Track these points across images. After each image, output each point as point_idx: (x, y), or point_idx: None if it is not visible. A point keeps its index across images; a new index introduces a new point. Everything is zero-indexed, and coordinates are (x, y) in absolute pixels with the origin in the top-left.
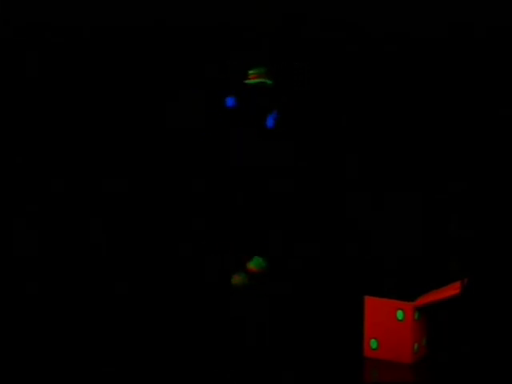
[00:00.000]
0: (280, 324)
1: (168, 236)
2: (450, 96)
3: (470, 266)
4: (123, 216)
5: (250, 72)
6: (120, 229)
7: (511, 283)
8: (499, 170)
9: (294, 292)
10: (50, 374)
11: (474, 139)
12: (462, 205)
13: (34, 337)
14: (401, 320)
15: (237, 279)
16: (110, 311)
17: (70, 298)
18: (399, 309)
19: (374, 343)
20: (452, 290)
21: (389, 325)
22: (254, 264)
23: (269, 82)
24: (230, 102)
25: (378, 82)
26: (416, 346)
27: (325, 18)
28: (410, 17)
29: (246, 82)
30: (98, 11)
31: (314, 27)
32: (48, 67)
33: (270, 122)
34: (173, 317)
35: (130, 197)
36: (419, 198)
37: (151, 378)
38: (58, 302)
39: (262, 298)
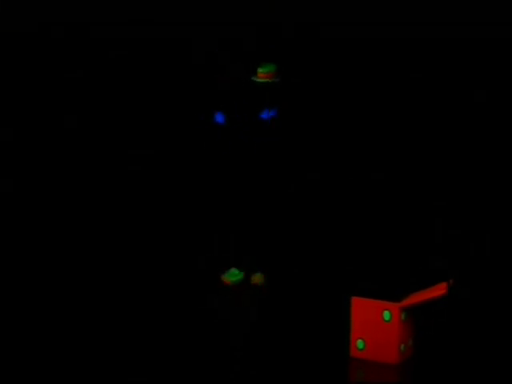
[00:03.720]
0: (266, 324)
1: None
2: (439, 100)
3: (455, 265)
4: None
5: (260, 70)
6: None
7: (497, 282)
8: (484, 171)
9: (281, 292)
10: (43, 374)
11: (463, 141)
12: (447, 204)
13: (29, 336)
14: (387, 321)
15: (256, 279)
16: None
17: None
18: (386, 309)
19: (360, 343)
20: (438, 290)
21: (375, 325)
22: (230, 276)
23: (277, 80)
24: (219, 117)
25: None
26: (402, 346)
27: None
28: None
29: (255, 79)
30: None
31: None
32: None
33: (265, 114)
34: (160, 317)
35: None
36: (406, 198)
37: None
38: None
39: (249, 299)
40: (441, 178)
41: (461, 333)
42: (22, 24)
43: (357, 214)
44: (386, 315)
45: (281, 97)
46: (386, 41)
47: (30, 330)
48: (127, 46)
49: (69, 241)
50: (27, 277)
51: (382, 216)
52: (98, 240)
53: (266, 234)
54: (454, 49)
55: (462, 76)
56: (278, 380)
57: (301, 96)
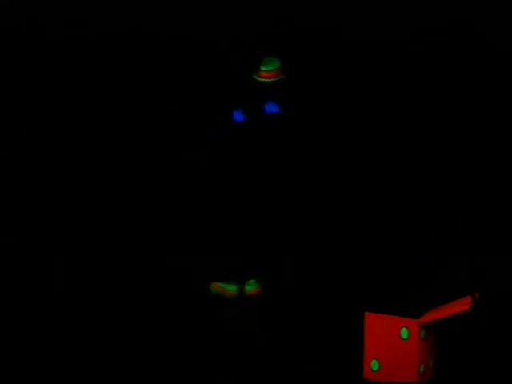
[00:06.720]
0: (275, 344)
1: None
2: (442, 104)
3: (482, 277)
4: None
5: (263, 69)
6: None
7: None
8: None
9: (290, 308)
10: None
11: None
12: (466, 211)
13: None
14: (405, 339)
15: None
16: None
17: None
18: (403, 326)
19: (375, 364)
20: (462, 305)
21: (392, 344)
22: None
23: (282, 77)
24: (237, 116)
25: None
26: (422, 367)
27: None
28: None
29: (258, 79)
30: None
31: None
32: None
33: (270, 108)
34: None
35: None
36: (421, 209)
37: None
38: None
39: (258, 315)
40: (459, 185)
41: (487, 353)
42: (22, 23)
43: (371, 221)
44: (404, 333)
45: (288, 95)
46: (387, 42)
47: (23, 333)
48: (132, 46)
49: (69, 243)
50: (24, 277)
51: (400, 223)
52: (97, 242)
53: (271, 240)
54: (453, 50)
55: (462, 76)
56: None
57: (309, 96)
